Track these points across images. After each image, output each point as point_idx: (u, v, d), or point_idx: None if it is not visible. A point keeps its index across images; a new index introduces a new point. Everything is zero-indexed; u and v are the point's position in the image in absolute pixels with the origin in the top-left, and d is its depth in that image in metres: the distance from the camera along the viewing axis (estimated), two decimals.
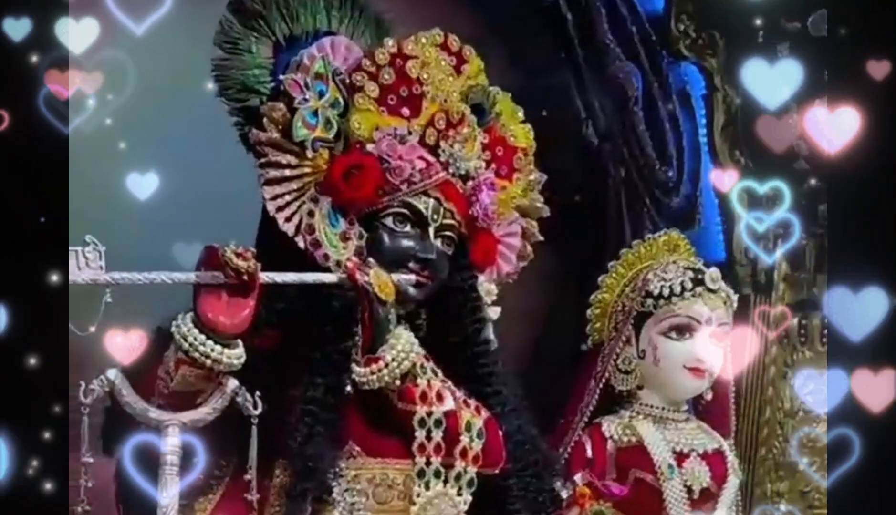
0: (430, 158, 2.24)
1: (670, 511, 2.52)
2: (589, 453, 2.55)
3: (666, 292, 2.63)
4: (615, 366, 2.62)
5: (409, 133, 2.22)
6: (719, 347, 2.63)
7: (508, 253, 2.46)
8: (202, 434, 1.99)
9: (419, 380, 2.13)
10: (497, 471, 2.24)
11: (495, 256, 2.41)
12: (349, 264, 2.09)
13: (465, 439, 2.17)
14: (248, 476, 1.98)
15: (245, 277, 1.91)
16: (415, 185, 2.22)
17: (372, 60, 2.22)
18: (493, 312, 2.41)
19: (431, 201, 2.25)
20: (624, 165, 3.95)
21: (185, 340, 1.90)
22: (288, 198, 2.15)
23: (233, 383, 1.99)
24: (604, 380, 2.59)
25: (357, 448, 2.14)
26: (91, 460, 1.88)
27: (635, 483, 2.54)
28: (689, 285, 2.63)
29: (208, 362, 1.90)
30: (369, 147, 2.19)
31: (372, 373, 2.08)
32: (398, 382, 2.10)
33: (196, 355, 1.90)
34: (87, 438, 1.88)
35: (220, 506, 2.07)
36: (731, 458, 2.62)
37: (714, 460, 2.60)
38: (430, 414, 2.14)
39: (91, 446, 1.89)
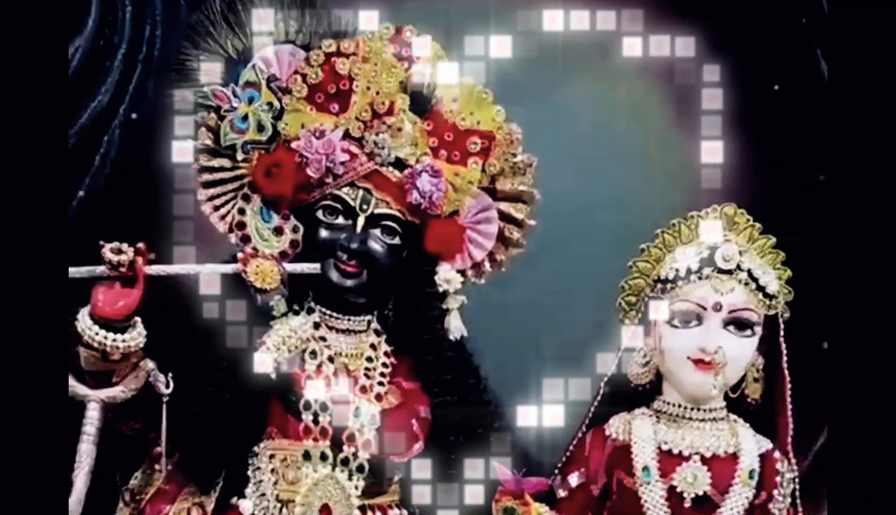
0: (355, 150, 2.29)
1: None
2: (586, 451, 2.35)
3: (672, 275, 2.32)
4: (633, 359, 2.38)
5: (336, 128, 2.29)
6: (738, 337, 2.26)
7: (481, 239, 2.40)
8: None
9: (307, 365, 2.20)
10: (405, 459, 2.22)
11: (459, 244, 2.37)
12: (240, 256, 2.23)
13: (353, 424, 2.20)
14: (158, 449, 2.22)
15: (123, 270, 2.15)
16: (340, 178, 2.29)
17: (307, 62, 2.33)
18: (455, 301, 2.35)
19: (360, 192, 2.30)
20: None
21: (77, 326, 2.18)
22: (224, 198, 2.33)
23: (148, 364, 2.24)
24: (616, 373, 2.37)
25: (276, 430, 2.26)
26: None
27: (618, 486, 2.29)
28: (695, 266, 2.29)
29: (95, 345, 2.15)
30: (293, 145, 2.30)
31: (258, 356, 2.19)
32: (284, 367, 2.19)
33: (86, 339, 2.16)
34: None
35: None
36: (746, 465, 2.23)
37: (722, 465, 2.24)
38: (316, 398, 2.20)
39: None
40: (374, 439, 2.21)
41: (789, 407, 2.33)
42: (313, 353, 2.24)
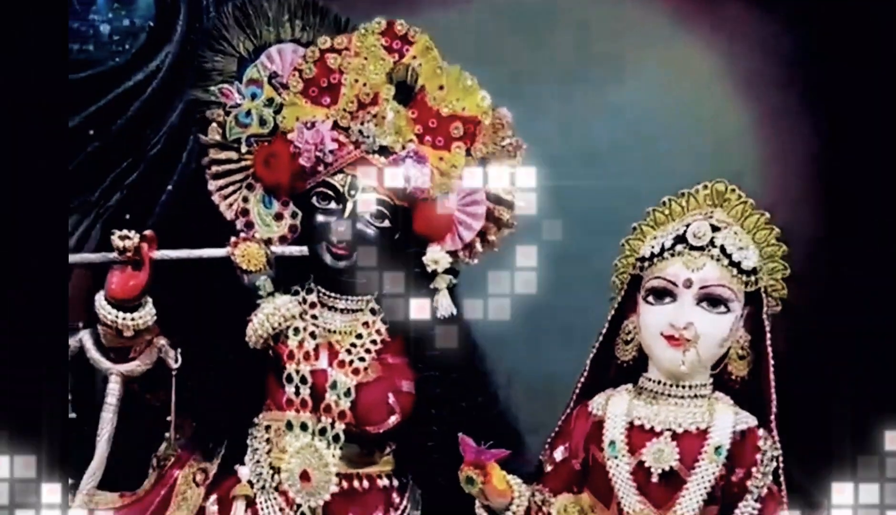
0: (343, 139, 2.43)
1: (616, 491, 2.23)
2: (571, 425, 2.37)
3: (648, 252, 2.31)
4: (620, 336, 2.39)
5: (326, 118, 2.42)
6: (711, 313, 2.24)
7: (470, 221, 2.48)
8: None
9: (289, 341, 2.35)
10: (380, 430, 2.33)
11: (448, 225, 2.45)
12: (232, 240, 2.40)
13: (329, 396, 2.33)
14: (169, 418, 2.42)
15: (129, 254, 2.35)
16: (330, 166, 2.43)
17: (304, 59, 2.47)
18: (443, 280, 2.44)
19: (349, 178, 2.44)
20: None
21: (95, 306, 2.41)
22: (231, 188, 2.52)
23: (161, 341, 2.45)
24: (604, 350, 2.38)
25: (271, 402, 2.42)
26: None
27: (592, 461, 2.30)
28: (669, 243, 2.28)
29: (109, 322, 2.38)
30: (289, 136, 2.46)
31: (247, 333, 2.36)
32: (272, 342, 2.34)
33: (101, 318, 2.39)
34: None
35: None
36: (714, 441, 2.20)
37: (692, 441, 2.21)
38: (297, 371, 2.34)
39: None
40: (349, 410, 2.35)
41: (773, 384, 2.30)
42: (296, 330, 2.39)
